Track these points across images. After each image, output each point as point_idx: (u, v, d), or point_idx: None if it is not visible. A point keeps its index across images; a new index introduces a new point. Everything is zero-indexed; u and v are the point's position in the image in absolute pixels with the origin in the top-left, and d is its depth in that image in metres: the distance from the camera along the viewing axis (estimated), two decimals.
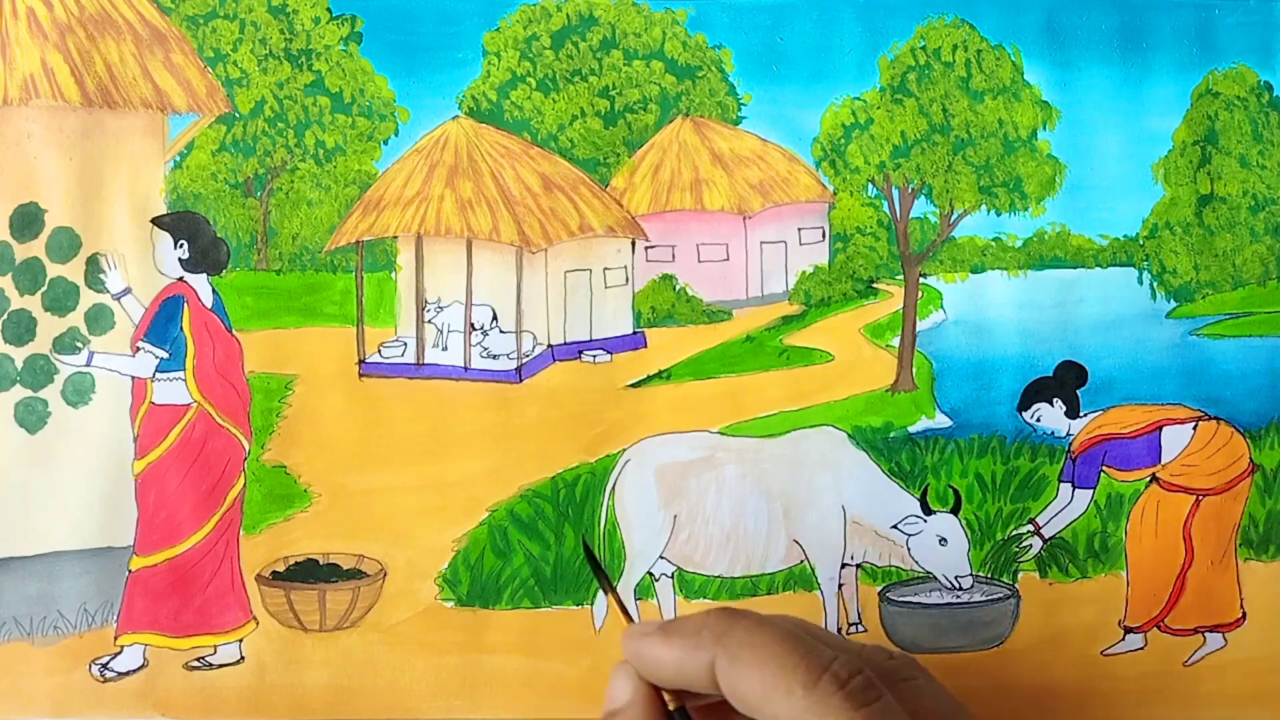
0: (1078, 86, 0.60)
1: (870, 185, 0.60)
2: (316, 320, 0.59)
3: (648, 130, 0.60)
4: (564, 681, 0.59)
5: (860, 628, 0.60)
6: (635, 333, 0.60)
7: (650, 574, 0.60)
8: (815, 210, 0.60)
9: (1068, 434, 0.60)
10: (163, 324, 0.59)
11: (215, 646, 0.59)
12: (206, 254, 0.59)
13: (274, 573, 0.59)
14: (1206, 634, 0.60)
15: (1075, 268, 0.60)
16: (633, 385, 0.60)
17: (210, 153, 0.59)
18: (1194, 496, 0.60)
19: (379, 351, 0.59)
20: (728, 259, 0.60)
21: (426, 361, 0.60)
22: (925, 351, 0.60)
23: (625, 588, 0.59)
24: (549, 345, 0.60)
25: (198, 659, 0.59)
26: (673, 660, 0.42)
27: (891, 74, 0.60)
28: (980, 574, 0.60)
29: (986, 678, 0.59)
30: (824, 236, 0.60)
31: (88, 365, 0.59)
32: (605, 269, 0.60)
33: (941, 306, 0.60)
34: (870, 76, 0.60)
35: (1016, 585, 0.60)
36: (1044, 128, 0.60)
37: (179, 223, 0.59)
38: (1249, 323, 0.60)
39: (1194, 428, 0.60)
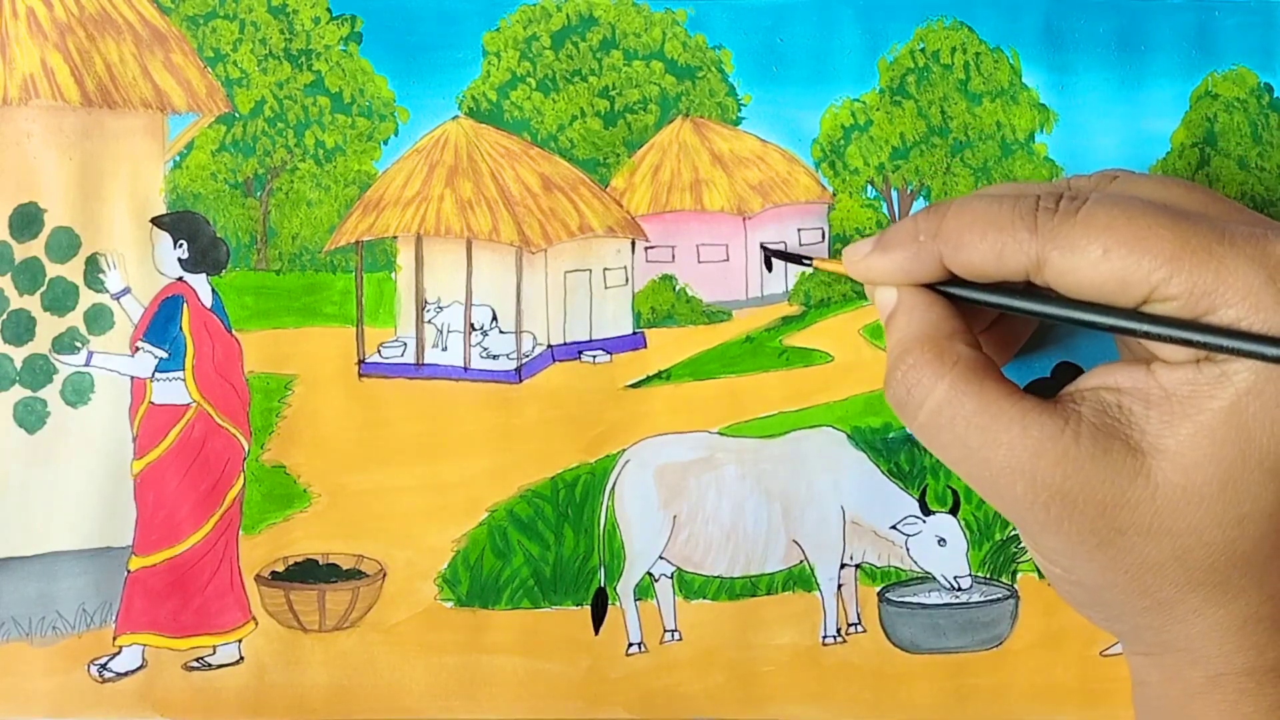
0: (1076, 89, 0.60)
1: (869, 186, 0.60)
2: (316, 320, 0.59)
3: (648, 130, 0.60)
4: (564, 681, 0.59)
5: (860, 628, 0.60)
6: (635, 333, 0.60)
7: (650, 574, 0.60)
8: (815, 211, 0.60)
9: None
10: (162, 324, 0.59)
11: (214, 647, 0.59)
12: (206, 254, 0.59)
13: (273, 573, 0.59)
14: None
15: None
16: (632, 385, 0.60)
17: (210, 153, 0.59)
18: None
19: (379, 351, 0.59)
20: (727, 259, 0.60)
21: (426, 361, 0.60)
22: None
23: (625, 588, 0.60)
24: (549, 345, 0.60)
25: (197, 659, 0.59)
26: (900, 270, 0.48)
27: (890, 76, 0.60)
28: (979, 574, 0.60)
29: (986, 678, 0.59)
30: (824, 237, 0.60)
31: (87, 365, 0.59)
32: (605, 269, 0.60)
33: None
34: (870, 78, 0.60)
35: (1016, 585, 0.60)
36: (1041, 130, 0.60)
37: (179, 223, 0.59)
38: None
39: None
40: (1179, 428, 0.43)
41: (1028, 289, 0.47)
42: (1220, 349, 0.42)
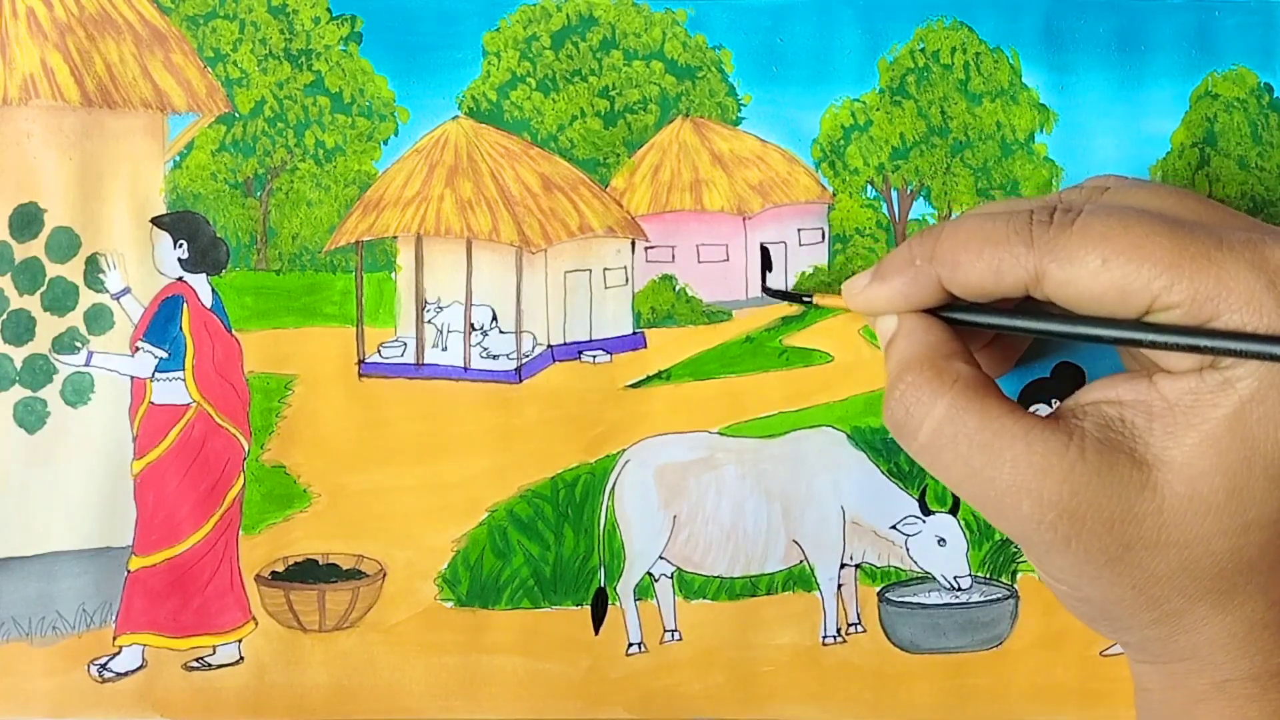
0: (1076, 89, 0.60)
1: (869, 186, 0.60)
2: (316, 320, 0.59)
3: (648, 130, 0.60)
4: (564, 682, 0.59)
5: (860, 628, 0.60)
6: (635, 333, 0.60)
7: (650, 574, 0.60)
8: (814, 211, 0.60)
9: None
10: (162, 324, 0.59)
11: (214, 647, 0.59)
12: (206, 254, 0.59)
13: (273, 573, 0.59)
14: None
15: None
16: (632, 385, 0.60)
17: (210, 153, 0.59)
18: None
19: (379, 351, 0.59)
20: (727, 259, 0.60)
21: (426, 362, 0.60)
22: None
23: (625, 588, 0.60)
24: (549, 345, 0.60)
25: (197, 659, 0.59)
26: (900, 296, 0.48)
27: (890, 76, 0.60)
28: (979, 574, 0.60)
29: (986, 678, 0.59)
30: (823, 237, 0.60)
31: (87, 365, 0.59)
32: (605, 269, 0.60)
33: None
34: (870, 78, 0.60)
35: (1015, 585, 0.60)
36: (1041, 130, 0.60)
37: (178, 223, 0.59)
38: None
39: None
40: (1183, 438, 0.43)
41: (1026, 305, 0.47)
42: (1229, 353, 0.42)
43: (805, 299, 0.56)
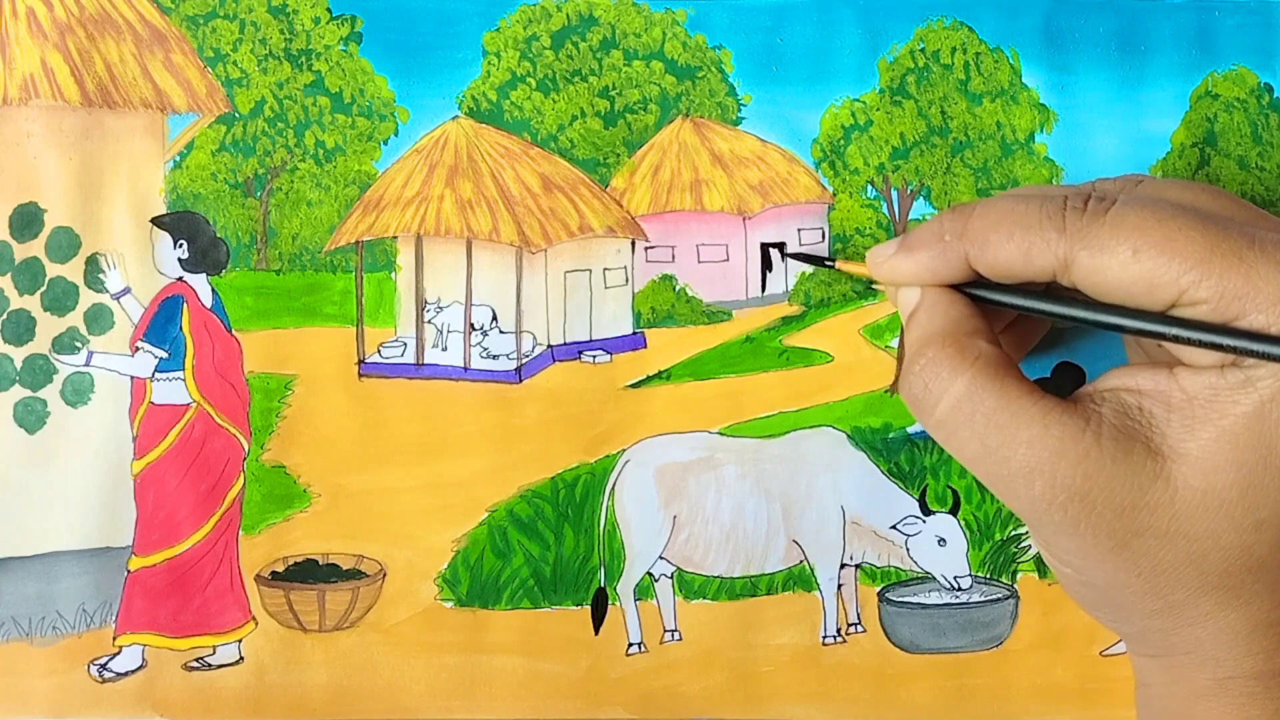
0: (1076, 89, 0.60)
1: (869, 186, 0.60)
2: (316, 320, 0.59)
3: (648, 130, 0.60)
4: (564, 682, 0.59)
5: (860, 628, 0.60)
6: (635, 333, 0.60)
7: (650, 574, 0.60)
8: (815, 211, 0.60)
9: None
10: (162, 324, 0.59)
11: (214, 647, 0.59)
12: (206, 254, 0.59)
13: (273, 573, 0.59)
14: None
15: None
16: (632, 386, 0.60)
17: (210, 153, 0.59)
18: None
19: (379, 351, 0.59)
20: (727, 259, 0.60)
21: (426, 362, 0.60)
22: None
23: (625, 588, 0.60)
24: (549, 345, 0.60)
25: (197, 659, 0.59)
26: (926, 270, 0.48)
27: (890, 76, 0.60)
28: (979, 574, 0.60)
29: (986, 678, 0.59)
30: (824, 237, 0.60)
31: (87, 365, 0.59)
32: (605, 269, 0.60)
33: None
34: (870, 78, 0.60)
35: (1016, 585, 0.60)
36: (1041, 130, 0.60)
37: (179, 223, 0.59)
38: None
39: None
40: (1200, 432, 0.43)
41: (1050, 290, 0.47)
42: (1250, 353, 0.42)
43: (828, 262, 0.56)
